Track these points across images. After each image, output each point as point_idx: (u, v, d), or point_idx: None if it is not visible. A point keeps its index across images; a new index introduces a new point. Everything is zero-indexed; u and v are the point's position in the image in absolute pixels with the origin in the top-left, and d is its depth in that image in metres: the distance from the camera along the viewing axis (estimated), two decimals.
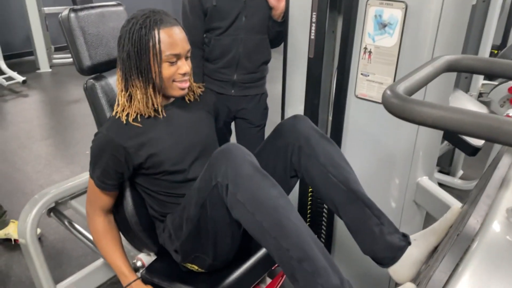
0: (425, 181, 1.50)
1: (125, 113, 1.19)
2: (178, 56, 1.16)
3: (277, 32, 1.89)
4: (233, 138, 2.17)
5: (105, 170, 1.17)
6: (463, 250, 0.58)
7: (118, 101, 1.21)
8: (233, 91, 1.97)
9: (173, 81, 1.19)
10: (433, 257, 0.96)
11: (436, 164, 1.73)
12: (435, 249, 1.07)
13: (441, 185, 2.65)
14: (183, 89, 1.21)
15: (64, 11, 1.29)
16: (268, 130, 1.37)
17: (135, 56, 1.14)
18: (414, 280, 1.04)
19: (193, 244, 1.19)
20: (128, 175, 1.22)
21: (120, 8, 1.39)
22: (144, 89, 1.17)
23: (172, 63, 1.16)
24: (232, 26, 1.82)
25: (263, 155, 1.26)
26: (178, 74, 1.18)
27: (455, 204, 1.19)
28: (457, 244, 0.61)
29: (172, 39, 1.14)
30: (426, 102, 0.63)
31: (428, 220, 1.57)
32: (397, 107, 0.65)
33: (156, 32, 1.12)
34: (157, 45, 1.12)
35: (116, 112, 1.21)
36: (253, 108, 2.05)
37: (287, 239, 0.98)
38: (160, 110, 1.22)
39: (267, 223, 0.99)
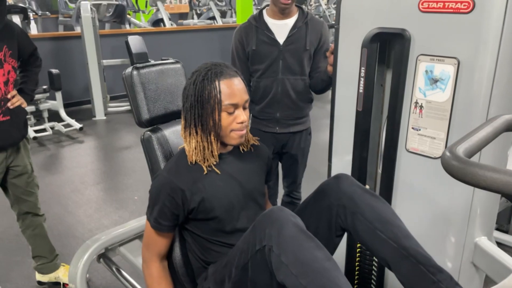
0: (484, 242, 1.41)
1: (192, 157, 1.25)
2: (236, 106, 1.21)
3: (322, 81, 1.99)
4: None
5: (162, 211, 1.21)
6: None
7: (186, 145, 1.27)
8: (277, 128, 2.07)
9: (231, 130, 1.23)
10: None
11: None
12: None
13: (499, 244, 2.47)
14: (241, 137, 1.25)
15: (127, 69, 1.40)
16: (311, 181, 1.35)
17: (197, 106, 1.20)
18: None
19: None
20: (182, 219, 1.24)
21: (178, 65, 1.48)
22: (202, 137, 1.22)
23: (230, 113, 1.21)
24: (269, 68, 2.00)
25: (304, 215, 1.23)
26: (236, 123, 1.22)
27: None
28: None
29: (231, 89, 1.20)
30: (489, 166, 0.61)
31: (487, 283, 1.46)
32: (459, 170, 0.63)
33: (216, 83, 1.19)
34: (218, 95, 1.18)
35: (180, 155, 1.27)
36: (297, 144, 2.12)
37: None
38: (216, 156, 1.26)
39: (312, 287, 0.96)
